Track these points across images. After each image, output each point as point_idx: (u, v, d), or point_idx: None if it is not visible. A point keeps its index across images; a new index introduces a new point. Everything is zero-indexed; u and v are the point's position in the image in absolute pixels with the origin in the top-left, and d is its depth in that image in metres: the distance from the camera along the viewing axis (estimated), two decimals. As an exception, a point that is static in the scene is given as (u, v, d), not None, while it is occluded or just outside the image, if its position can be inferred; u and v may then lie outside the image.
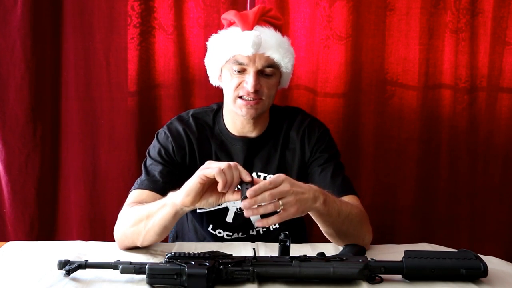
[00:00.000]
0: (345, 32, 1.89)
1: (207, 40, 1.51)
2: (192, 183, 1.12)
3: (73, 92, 1.91)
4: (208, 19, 1.88)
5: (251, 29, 1.38)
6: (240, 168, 1.12)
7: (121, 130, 1.92)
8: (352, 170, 1.81)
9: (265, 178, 1.48)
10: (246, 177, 1.11)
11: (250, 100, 1.39)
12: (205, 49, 1.53)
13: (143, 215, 1.21)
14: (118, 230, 1.28)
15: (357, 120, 1.97)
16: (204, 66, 1.53)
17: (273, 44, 1.39)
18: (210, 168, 1.10)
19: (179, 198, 1.14)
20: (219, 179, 1.08)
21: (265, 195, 1.08)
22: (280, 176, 1.12)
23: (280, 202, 1.09)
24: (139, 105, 1.92)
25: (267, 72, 1.40)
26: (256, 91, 1.38)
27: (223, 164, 1.10)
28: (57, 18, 1.88)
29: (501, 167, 2.00)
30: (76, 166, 1.94)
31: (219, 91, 1.52)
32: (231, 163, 1.11)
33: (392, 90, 1.96)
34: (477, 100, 1.96)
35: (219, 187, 1.09)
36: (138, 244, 1.25)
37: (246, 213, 1.09)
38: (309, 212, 1.19)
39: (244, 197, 1.08)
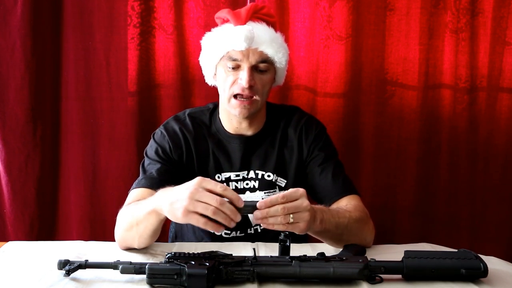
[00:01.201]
0: (345, 32, 1.89)
1: (207, 40, 1.52)
2: (177, 218, 1.07)
3: (73, 92, 1.91)
4: (208, 19, 1.88)
5: (244, 24, 1.38)
6: (230, 193, 1.05)
7: (121, 130, 1.92)
8: (352, 170, 1.81)
9: (262, 176, 1.49)
10: (239, 202, 1.05)
11: (244, 100, 1.39)
12: (205, 49, 1.53)
13: (133, 222, 1.20)
14: (116, 232, 1.28)
15: (357, 120, 1.97)
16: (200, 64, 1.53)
17: (266, 39, 1.39)
18: (196, 217, 1.04)
19: (164, 210, 1.10)
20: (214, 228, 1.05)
21: (278, 208, 1.07)
22: (298, 190, 1.10)
23: (291, 216, 1.08)
24: (139, 105, 1.92)
25: (261, 67, 1.40)
26: (251, 87, 1.38)
27: (209, 210, 1.03)
28: (57, 18, 1.88)
29: (501, 167, 2.00)
30: (76, 166, 1.94)
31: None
32: (218, 200, 1.03)
33: (392, 90, 1.96)
34: (477, 100, 1.96)
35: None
36: (135, 247, 1.26)
37: (255, 221, 1.09)
38: None
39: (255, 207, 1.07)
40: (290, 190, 1.10)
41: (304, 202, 1.10)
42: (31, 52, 1.84)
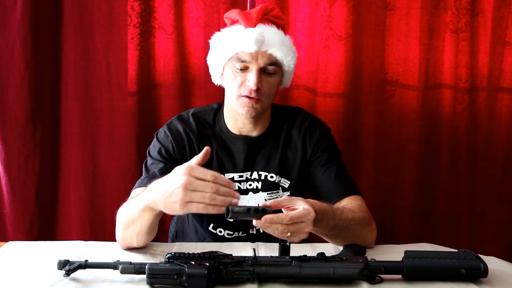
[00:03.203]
0: (345, 32, 1.89)
1: (207, 40, 1.52)
2: (176, 211, 1.06)
3: (73, 92, 1.91)
4: (208, 19, 1.88)
5: (254, 26, 1.38)
6: (221, 180, 1.04)
7: (121, 130, 1.92)
8: (352, 170, 1.80)
9: (266, 177, 1.49)
10: (231, 186, 1.05)
11: (252, 98, 1.39)
12: (205, 49, 1.53)
13: (129, 220, 1.20)
14: (116, 232, 1.28)
15: (357, 120, 1.97)
16: (204, 66, 1.54)
17: (276, 42, 1.39)
18: (195, 206, 1.03)
19: (160, 205, 1.09)
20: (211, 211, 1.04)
21: (278, 227, 1.07)
22: (309, 214, 1.09)
23: (288, 233, 1.08)
24: (139, 105, 1.92)
25: (270, 70, 1.40)
26: (258, 90, 1.38)
27: (206, 198, 1.02)
28: (57, 18, 1.88)
29: (501, 167, 2.00)
30: (76, 166, 1.94)
31: (219, 91, 1.52)
32: (213, 187, 1.03)
33: (392, 90, 1.96)
34: (477, 100, 1.96)
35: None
36: (135, 245, 1.25)
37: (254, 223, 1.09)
38: None
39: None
40: (302, 212, 1.09)
41: (308, 226, 1.09)
42: (31, 52, 1.84)
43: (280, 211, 1.12)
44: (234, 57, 1.40)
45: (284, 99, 1.94)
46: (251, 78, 1.38)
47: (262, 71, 1.39)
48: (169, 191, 1.06)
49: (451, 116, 1.96)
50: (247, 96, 1.39)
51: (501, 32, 1.92)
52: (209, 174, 1.04)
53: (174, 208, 1.05)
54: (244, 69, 1.39)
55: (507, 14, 1.91)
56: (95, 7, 1.86)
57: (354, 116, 1.96)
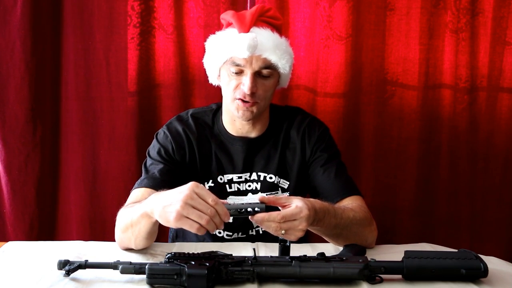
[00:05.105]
0: (345, 32, 1.89)
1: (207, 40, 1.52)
2: (169, 222, 1.06)
3: (73, 92, 1.91)
4: (208, 19, 1.88)
5: (248, 31, 1.37)
6: (220, 208, 1.04)
7: (121, 130, 1.92)
8: (352, 170, 1.81)
9: (265, 178, 1.49)
10: (225, 218, 1.05)
11: (247, 102, 1.39)
12: (205, 49, 1.53)
13: (128, 223, 1.20)
14: (115, 233, 1.28)
15: (357, 120, 1.97)
16: (204, 66, 1.53)
17: (270, 46, 1.38)
18: (189, 223, 1.03)
19: (156, 213, 1.09)
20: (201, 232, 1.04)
21: (271, 224, 1.08)
22: (301, 213, 1.10)
23: (282, 231, 1.09)
24: (139, 105, 1.92)
25: (264, 73, 1.40)
26: (253, 93, 1.38)
27: (203, 219, 1.02)
28: (57, 18, 1.88)
29: (501, 167, 2.00)
30: (76, 166, 1.94)
31: (219, 91, 1.52)
32: (212, 211, 1.03)
33: (392, 90, 1.96)
34: (477, 100, 1.96)
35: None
36: (133, 247, 1.26)
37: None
38: None
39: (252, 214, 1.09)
40: (294, 210, 1.10)
41: (302, 223, 1.10)
42: (31, 52, 1.84)
43: (277, 209, 1.12)
44: (229, 61, 1.40)
45: (284, 99, 1.94)
46: (246, 82, 1.38)
47: (257, 75, 1.39)
48: (169, 201, 1.05)
49: (451, 116, 1.96)
50: (241, 100, 1.40)
51: (501, 32, 1.91)
52: (211, 197, 1.04)
53: (169, 218, 1.05)
54: (239, 72, 1.39)
55: (507, 14, 1.90)
56: (95, 7, 1.86)
57: (354, 116, 1.96)
